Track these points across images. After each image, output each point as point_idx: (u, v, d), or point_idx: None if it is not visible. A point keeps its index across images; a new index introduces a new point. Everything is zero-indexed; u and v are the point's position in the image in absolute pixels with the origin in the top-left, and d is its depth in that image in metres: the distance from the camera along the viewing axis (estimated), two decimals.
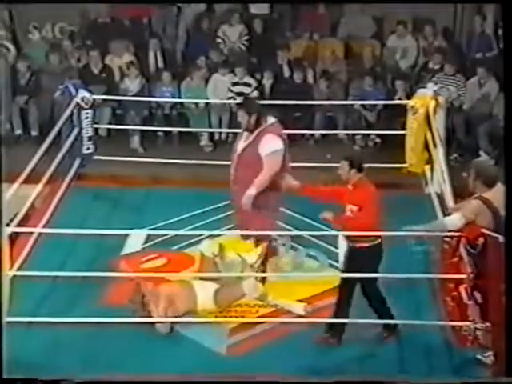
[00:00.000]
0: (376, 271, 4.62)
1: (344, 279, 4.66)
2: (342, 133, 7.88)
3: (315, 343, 4.67)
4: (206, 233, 5.19)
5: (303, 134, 7.82)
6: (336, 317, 4.66)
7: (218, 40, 8.46)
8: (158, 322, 4.80)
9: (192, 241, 5.59)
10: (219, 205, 6.03)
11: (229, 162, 5.26)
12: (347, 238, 4.67)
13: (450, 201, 5.22)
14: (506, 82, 4.22)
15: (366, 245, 4.57)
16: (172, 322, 4.80)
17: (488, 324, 4.42)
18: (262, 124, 5.07)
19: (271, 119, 5.16)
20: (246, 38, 8.46)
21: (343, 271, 4.73)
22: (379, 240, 4.62)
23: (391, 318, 4.73)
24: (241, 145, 5.14)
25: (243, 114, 5.08)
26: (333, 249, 5.67)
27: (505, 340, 4.04)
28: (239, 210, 5.16)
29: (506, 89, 4.22)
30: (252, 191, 5.01)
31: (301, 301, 5.00)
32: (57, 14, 8.49)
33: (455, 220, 4.39)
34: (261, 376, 4.39)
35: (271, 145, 5.05)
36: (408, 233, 4.44)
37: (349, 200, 4.60)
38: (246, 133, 5.15)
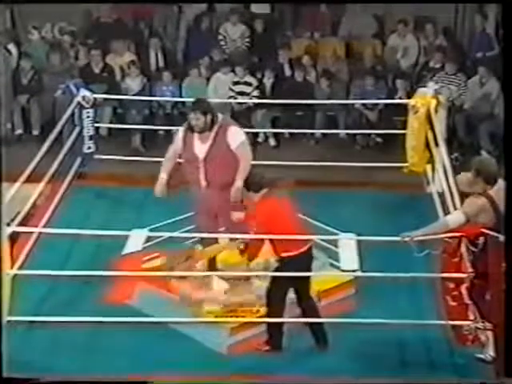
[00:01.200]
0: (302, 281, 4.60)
1: (272, 287, 4.62)
2: (342, 132, 7.88)
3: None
4: (205, 235, 5.17)
5: (304, 133, 7.82)
6: (270, 327, 4.64)
7: (220, 37, 8.46)
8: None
9: (193, 240, 5.59)
10: None
11: None
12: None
13: (455, 198, 5.21)
14: (506, 81, 4.21)
15: (287, 255, 4.52)
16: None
17: (488, 323, 4.41)
18: (215, 121, 4.98)
19: (220, 115, 5.10)
20: (247, 37, 8.46)
21: (271, 282, 4.65)
22: (298, 251, 4.55)
23: (323, 329, 4.68)
24: (200, 148, 4.97)
25: (199, 115, 4.93)
26: (333, 248, 5.67)
27: (504, 340, 4.02)
28: (221, 214, 5.05)
29: (505, 88, 4.21)
30: (239, 183, 4.89)
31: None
32: (58, 14, 8.49)
33: (456, 218, 4.38)
34: (261, 376, 4.39)
35: (239, 135, 5.01)
36: (408, 239, 4.42)
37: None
38: (197, 135, 4.98)
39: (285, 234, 4.53)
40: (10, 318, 4.35)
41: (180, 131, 5.15)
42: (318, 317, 4.72)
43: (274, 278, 4.63)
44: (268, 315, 4.67)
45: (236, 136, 4.99)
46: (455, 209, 4.94)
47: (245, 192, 4.64)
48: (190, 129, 5.02)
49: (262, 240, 4.57)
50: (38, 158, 5.69)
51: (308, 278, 4.70)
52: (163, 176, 5.08)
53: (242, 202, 4.94)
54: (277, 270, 4.63)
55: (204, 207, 5.10)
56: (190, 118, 5.00)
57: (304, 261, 4.64)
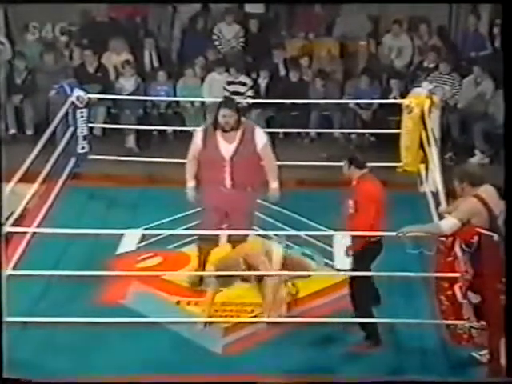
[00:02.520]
0: (368, 269, 4.67)
1: (351, 278, 4.73)
2: (337, 132, 7.88)
3: (354, 351, 4.64)
4: (201, 232, 5.18)
5: (299, 133, 7.83)
6: (365, 326, 4.69)
7: (214, 37, 8.45)
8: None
9: (187, 240, 5.59)
10: None
11: None
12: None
13: (443, 201, 5.22)
14: (506, 81, 4.20)
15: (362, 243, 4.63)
16: None
17: (483, 322, 4.42)
18: (241, 121, 5.00)
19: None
20: (241, 37, 8.46)
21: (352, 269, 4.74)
22: (376, 238, 4.65)
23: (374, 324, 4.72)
24: (227, 147, 4.97)
25: (233, 112, 4.95)
26: (328, 248, 5.67)
27: (505, 340, 3.99)
28: (233, 214, 5.06)
29: (505, 89, 4.21)
30: (275, 184, 5.01)
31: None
32: (53, 14, 8.46)
33: (451, 224, 4.34)
34: (256, 376, 4.39)
35: (264, 137, 5.08)
36: (401, 235, 4.43)
37: (350, 195, 4.74)
38: (221, 134, 4.96)
39: (380, 216, 4.62)
40: (4, 319, 4.32)
41: (199, 132, 5.12)
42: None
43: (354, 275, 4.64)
44: (360, 314, 4.65)
45: (262, 137, 5.05)
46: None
47: (347, 167, 4.75)
48: (214, 128, 4.99)
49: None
50: (31, 158, 5.67)
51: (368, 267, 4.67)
52: (191, 182, 5.09)
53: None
54: (356, 256, 4.67)
55: (219, 206, 5.04)
56: (220, 115, 4.96)
57: (380, 248, 4.69)
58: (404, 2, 8.15)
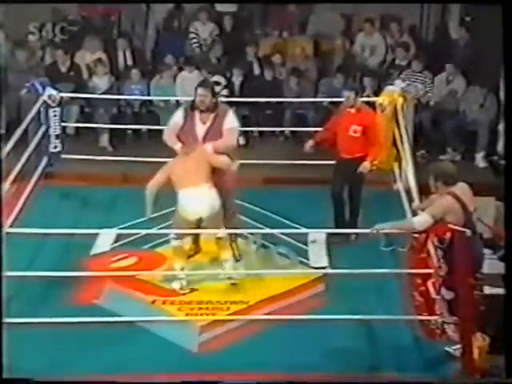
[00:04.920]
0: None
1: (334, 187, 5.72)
2: (311, 130, 7.91)
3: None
4: (177, 231, 5.16)
5: (273, 132, 7.84)
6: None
7: (192, 35, 8.42)
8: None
9: (163, 239, 5.57)
10: None
11: None
12: (342, 151, 5.70)
13: (415, 199, 5.28)
14: (506, 82, 4.25)
15: (352, 157, 5.64)
16: None
17: (455, 318, 4.48)
18: (218, 105, 5.16)
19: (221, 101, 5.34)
20: (216, 35, 8.44)
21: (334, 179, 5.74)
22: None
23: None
24: (201, 128, 5.15)
25: (208, 92, 5.12)
26: (303, 246, 5.70)
27: (505, 341, 4.02)
28: None
29: (506, 89, 4.27)
30: (209, 147, 5.09)
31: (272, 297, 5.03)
32: (24, 12, 8.34)
33: (423, 221, 4.39)
34: (233, 374, 4.39)
35: (234, 120, 5.21)
36: (375, 232, 4.47)
37: (352, 121, 5.57)
38: (198, 115, 5.15)
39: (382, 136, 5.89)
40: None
41: (179, 111, 5.28)
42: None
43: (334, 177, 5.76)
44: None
45: (231, 120, 5.19)
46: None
47: (353, 97, 5.72)
48: (192, 108, 5.16)
49: None
50: (2, 157, 5.60)
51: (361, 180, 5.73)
52: (178, 144, 5.18)
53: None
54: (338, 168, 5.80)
55: None
56: (197, 95, 5.15)
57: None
58: (379, 3, 8.21)
